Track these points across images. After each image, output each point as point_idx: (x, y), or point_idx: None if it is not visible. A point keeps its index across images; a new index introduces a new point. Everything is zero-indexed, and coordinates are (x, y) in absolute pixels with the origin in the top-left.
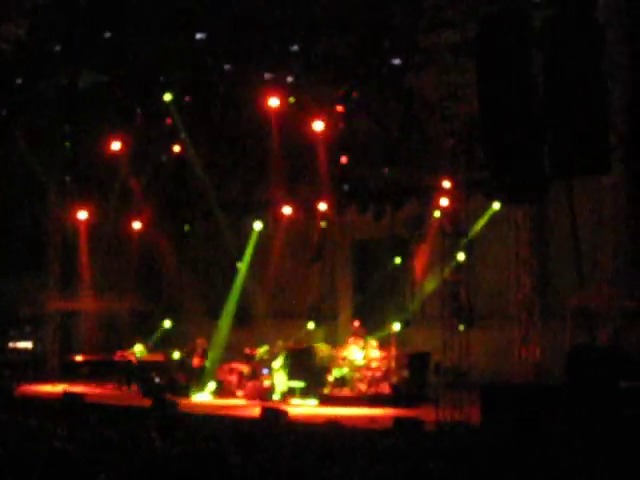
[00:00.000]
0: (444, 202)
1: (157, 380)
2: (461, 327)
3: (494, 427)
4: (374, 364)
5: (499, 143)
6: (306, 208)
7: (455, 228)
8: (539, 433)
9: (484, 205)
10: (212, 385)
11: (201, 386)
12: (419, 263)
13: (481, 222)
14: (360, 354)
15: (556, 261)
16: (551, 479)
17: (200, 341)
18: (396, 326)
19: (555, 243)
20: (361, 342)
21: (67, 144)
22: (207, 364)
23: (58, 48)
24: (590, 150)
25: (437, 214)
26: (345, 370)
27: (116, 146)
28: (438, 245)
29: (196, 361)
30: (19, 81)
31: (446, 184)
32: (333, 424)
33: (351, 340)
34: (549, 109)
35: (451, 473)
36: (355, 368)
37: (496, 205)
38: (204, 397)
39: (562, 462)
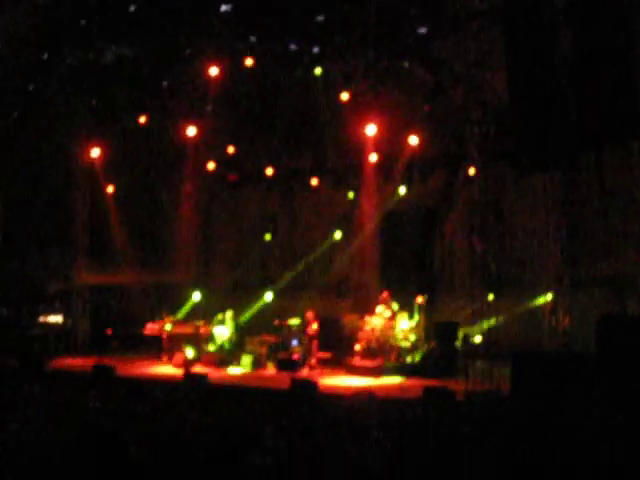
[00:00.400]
0: (472, 172)
1: (186, 352)
2: (490, 296)
3: (524, 395)
4: (403, 334)
5: (527, 111)
6: (334, 178)
7: (483, 197)
8: (569, 401)
9: (512, 174)
10: (244, 357)
11: (231, 358)
12: (448, 233)
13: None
14: (389, 324)
15: (585, 230)
16: (580, 447)
17: (230, 313)
18: (424, 298)
19: (584, 211)
20: (389, 312)
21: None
22: (237, 336)
23: (83, 22)
24: (619, 117)
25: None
26: (373, 341)
27: (143, 119)
28: (467, 215)
29: (227, 333)
30: (45, 56)
31: (474, 153)
32: (366, 394)
33: (379, 310)
34: (577, 76)
35: (481, 442)
36: (384, 339)
37: (524, 173)
38: (234, 369)
39: (591, 430)
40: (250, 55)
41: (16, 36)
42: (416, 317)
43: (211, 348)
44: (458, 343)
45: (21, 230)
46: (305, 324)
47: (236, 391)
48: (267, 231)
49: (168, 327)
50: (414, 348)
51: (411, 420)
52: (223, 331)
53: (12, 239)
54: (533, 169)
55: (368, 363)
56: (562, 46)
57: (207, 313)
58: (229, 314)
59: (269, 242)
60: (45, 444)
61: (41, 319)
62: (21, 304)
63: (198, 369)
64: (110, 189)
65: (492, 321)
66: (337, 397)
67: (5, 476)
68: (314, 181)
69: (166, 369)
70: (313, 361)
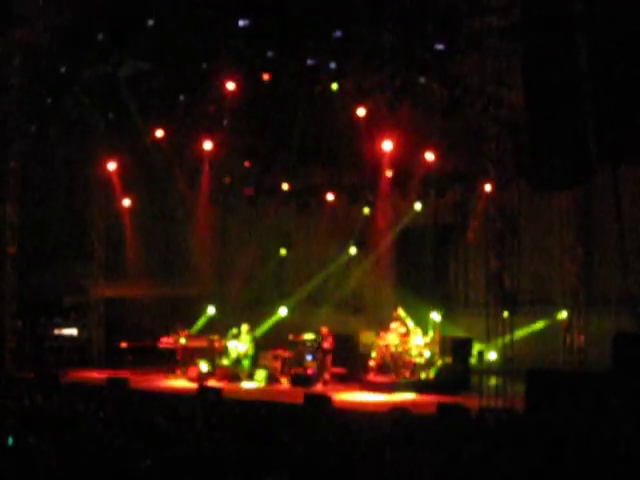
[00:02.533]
0: (488, 188)
1: (200, 366)
2: (505, 314)
3: (538, 413)
4: (417, 351)
5: (545, 128)
6: (350, 194)
7: (499, 214)
8: (583, 419)
9: (529, 191)
10: (258, 371)
11: (247, 372)
12: (463, 249)
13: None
14: (403, 340)
15: (601, 248)
16: (595, 465)
17: (245, 327)
18: (439, 314)
19: (600, 229)
20: (404, 329)
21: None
22: (253, 350)
23: (101, 36)
24: (636, 135)
25: (481, 200)
26: (388, 357)
27: (159, 133)
28: (482, 231)
29: (242, 347)
30: (63, 69)
31: (490, 170)
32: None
33: (394, 327)
34: (595, 93)
35: (495, 459)
36: (398, 355)
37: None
38: (249, 384)
39: (606, 448)
40: (267, 70)
41: (35, 49)
42: (430, 333)
43: (225, 362)
44: (472, 360)
45: (38, 243)
46: (320, 339)
47: (250, 405)
48: (283, 246)
49: (182, 341)
50: (428, 364)
51: (425, 437)
52: (238, 345)
53: (29, 252)
54: (550, 186)
55: (382, 379)
56: (580, 63)
57: (222, 327)
58: (245, 328)
59: (284, 257)
60: (58, 456)
61: (57, 331)
62: (37, 316)
63: (212, 383)
64: (126, 203)
65: (507, 338)
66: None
67: None
68: (330, 196)
69: (180, 383)
70: (327, 376)
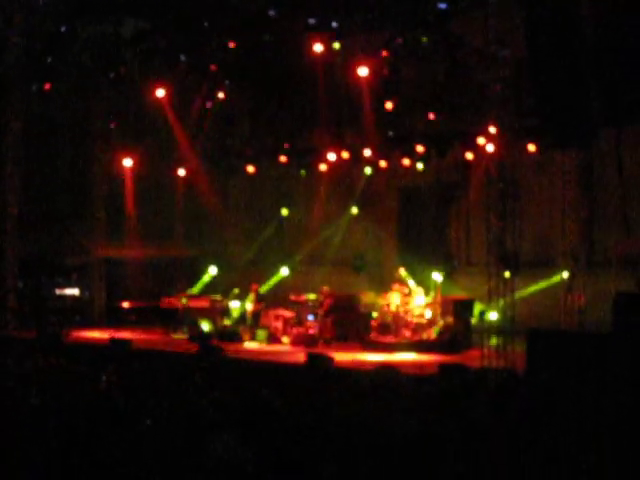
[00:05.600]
0: (490, 148)
1: (202, 326)
2: (506, 274)
3: (539, 373)
4: (419, 311)
5: (548, 88)
6: (351, 154)
7: (501, 174)
8: (583, 379)
9: (531, 151)
10: (259, 331)
11: (252, 332)
12: (464, 209)
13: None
14: (405, 301)
15: (602, 209)
16: (595, 425)
17: (254, 286)
18: (439, 276)
19: (601, 191)
20: (406, 289)
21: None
22: (259, 309)
23: None
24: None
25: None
26: (389, 317)
27: (161, 93)
28: (484, 191)
29: (251, 306)
30: (63, 29)
31: (492, 130)
32: (385, 369)
33: (396, 287)
34: (598, 54)
35: (495, 420)
36: (399, 315)
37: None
38: (251, 344)
39: (606, 409)
40: (269, 30)
41: (35, 9)
42: (432, 293)
43: (227, 322)
44: (474, 320)
45: (40, 204)
46: (321, 299)
47: (251, 365)
48: (284, 206)
49: (184, 301)
50: (430, 324)
51: (426, 396)
52: (246, 304)
53: (31, 213)
54: (552, 145)
55: (384, 339)
56: (583, 24)
57: (224, 287)
58: (253, 287)
59: (286, 217)
60: (61, 415)
61: (58, 291)
62: (39, 277)
63: (216, 342)
64: (128, 163)
65: (508, 298)
66: (356, 372)
67: (21, 446)
68: (331, 156)
69: (182, 343)
70: (329, 336)
